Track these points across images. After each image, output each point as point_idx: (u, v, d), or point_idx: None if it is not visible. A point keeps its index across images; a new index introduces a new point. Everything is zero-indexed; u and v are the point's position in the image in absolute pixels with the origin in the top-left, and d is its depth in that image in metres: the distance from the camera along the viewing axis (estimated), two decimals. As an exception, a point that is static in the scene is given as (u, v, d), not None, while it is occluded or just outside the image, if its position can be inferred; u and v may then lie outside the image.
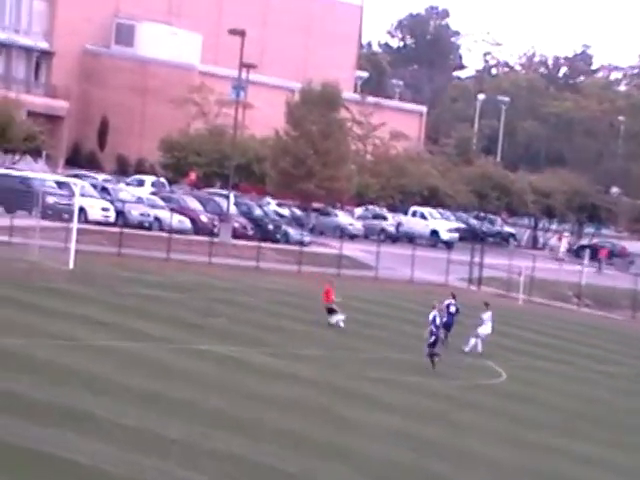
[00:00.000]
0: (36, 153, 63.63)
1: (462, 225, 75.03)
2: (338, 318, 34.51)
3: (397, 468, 20.08)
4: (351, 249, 56.92)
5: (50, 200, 48.28)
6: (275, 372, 26.69)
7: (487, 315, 33.96)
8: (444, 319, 32.81)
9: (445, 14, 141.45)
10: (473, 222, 79.45)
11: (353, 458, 20.10)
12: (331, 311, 34.75)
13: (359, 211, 74.05)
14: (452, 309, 34.11)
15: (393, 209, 75.56)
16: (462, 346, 33.47)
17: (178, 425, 20.13)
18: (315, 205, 67.83)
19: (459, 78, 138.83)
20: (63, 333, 26.84)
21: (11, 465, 16.43)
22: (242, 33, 58.61)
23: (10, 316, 27.99)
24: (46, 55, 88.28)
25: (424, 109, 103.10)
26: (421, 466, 20.50)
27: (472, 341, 33.55)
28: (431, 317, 29.86)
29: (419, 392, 27.30)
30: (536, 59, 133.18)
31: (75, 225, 39.77)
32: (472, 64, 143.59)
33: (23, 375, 21.85)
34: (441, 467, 20.67)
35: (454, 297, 34.70)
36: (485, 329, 33.78)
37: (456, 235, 71.51)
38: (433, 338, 29.69)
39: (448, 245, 67.13)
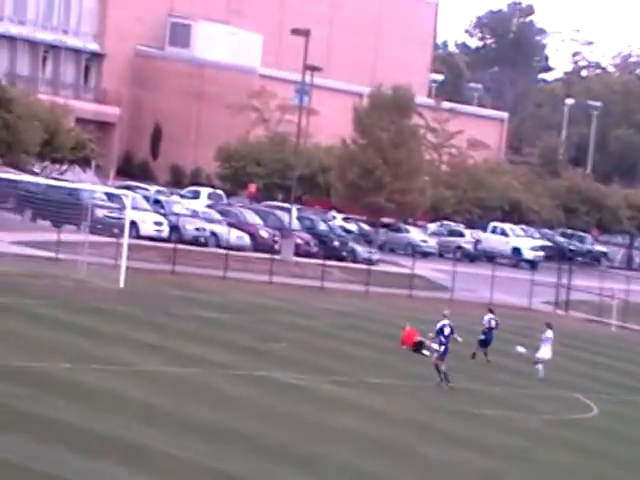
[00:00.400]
0: (85, 163, 64.39)
1: (547, 243, 74.35)
2: (428, 351, 34.58)
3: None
4: (424, 268, 56.68)
5: (99, 213, 48.75)
6: (342, 402, 26.56)
7: (546, 336, 33.69)
8: (481, 337, 34.03)
9: (529, 10, 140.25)
10: (560, 240, 78.63)
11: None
12: (420, 347, 34.80)
13: (433, 227, 73.77)
14: (492, 324, 34.65)
15: (471, 225, 75.15)
16: (535, 375, 33.27)
17: (237, 459, 20.08)
18: (385, 220, 67.72)
19: (545, 81, 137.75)
20: (113, 357, 26.98)
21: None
22: (306, 33, 58.82)
23: (56, 338, 28.22)
24: (96, 57, 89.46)
25: (505, 115, 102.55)
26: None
27: (540, 367, 33.43)
28: (439, 326, 30.17)
29: (500, 427, 26.97)
30: (632, 60, 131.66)
31: (126, 240, 40.09)
32: (559, 65, 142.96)
33: (70, 402, 21.99)
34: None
35: (492, 312, 35.38)
36: (543, 352, 33.54)
37: (541, 254, 70.90)
38: (442, 348, 29.91)
39: (532, 265, 66.57)
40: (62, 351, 26.78)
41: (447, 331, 30.06)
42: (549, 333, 33.67)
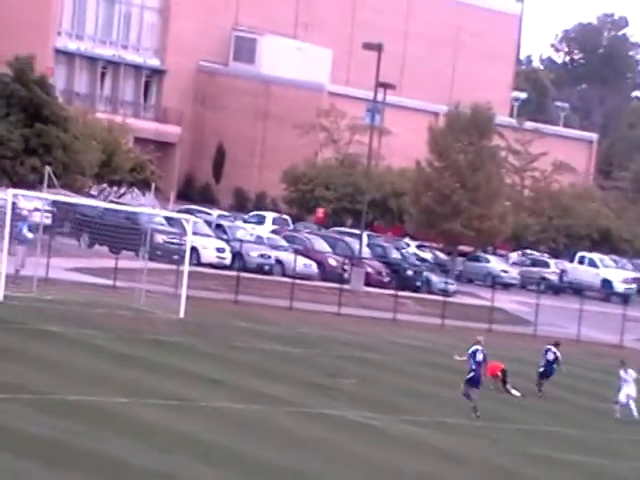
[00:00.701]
0: (144, 185, 65.08)
1: (640, 275, 73.56)
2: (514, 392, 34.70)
3: None
4: (505, 301, 56.49)
5: (159, 239, 49.20)
6: (417, 444, 26.43)
7: (625, 374, 33.37)
8: (540, 369, 33.88)
9: (622, 23, 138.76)
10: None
11: None
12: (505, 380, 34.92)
13: (515, 256, 73.43)
14: (550, 356, 34.42)
15: (556, 255, 74.64)
16: (614, 414, 33.11)
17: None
18: (462, 248, 67.52)
19: (638, 99, 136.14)
20: (172, 392, 27.13)
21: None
22: (379, 47, 58.98)
23: (112, 371, 28.47)
24: (157, 74, 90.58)
25: (594, 136, 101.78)
26: None
27: (617, 407, 33.28)
28: (470, 351, 30.07)
29: (594, 475, 26.63)
30: None
31: (186, 268, 40.36)
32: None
33: (126, 438, 22.14)
34: None
35: (557, 345, 35.16)
36: (626, 392, 33.16)
37: (634, 286, 70.10)
38: (471, 374, 29.85)
39: (624, 299, 65.84)
40: (119, 384, 27.00)
41: (480, 357, 29.95)
42: (625, 372, 33.37)
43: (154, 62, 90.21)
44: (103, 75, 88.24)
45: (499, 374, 34.96)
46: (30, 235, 41.15)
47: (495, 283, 59.73)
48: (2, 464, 19.03)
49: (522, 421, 31.37)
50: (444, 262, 65.56)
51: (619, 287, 69.92)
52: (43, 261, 41.02)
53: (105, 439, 21.83)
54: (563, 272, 70.62)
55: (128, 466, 20.31)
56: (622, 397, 33.25)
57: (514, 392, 34.80)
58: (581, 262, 72.00)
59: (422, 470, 24.03)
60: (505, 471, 25.44)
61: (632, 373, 33.39)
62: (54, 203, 46.27)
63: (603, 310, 56.87)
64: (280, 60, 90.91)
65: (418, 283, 58.92)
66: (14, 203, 39.48)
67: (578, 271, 70.90)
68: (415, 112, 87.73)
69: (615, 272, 71.58)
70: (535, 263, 71.55)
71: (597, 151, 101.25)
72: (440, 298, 52.94)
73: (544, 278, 67.72)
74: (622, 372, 33.54)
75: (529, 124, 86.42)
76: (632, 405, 33.31)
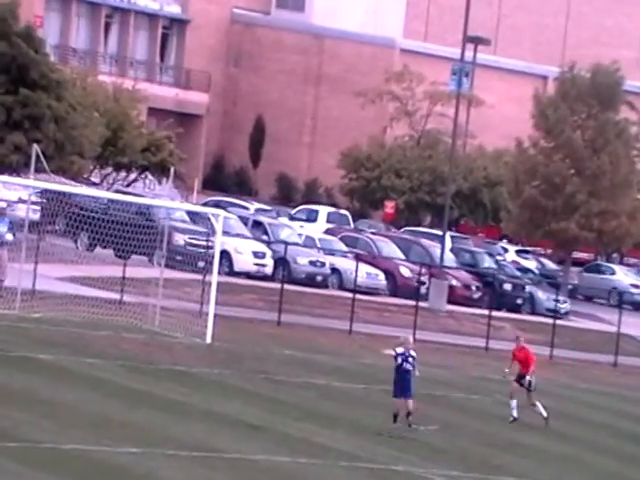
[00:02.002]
0: (161, 170, 65.49)
1: None
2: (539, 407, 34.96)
3: None
4: (636, 325, 56.20)
5: (179, 240, 49.58)
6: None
7: None
8: None
9: None
10: None
11: None
12: (520, 380, 35.10)
13: (649, 266, 73.25)
14: None
15: None
16: None
17: None
18: (578, 255, 67.32)
19: None
20: (196, 440, 27.30)
21: None
22: (468, -7, 59.00)
23: (119, 412, 28.69)
24: (177, 25, 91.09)
25: None
26: None
27: None
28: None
29: None
30: None
31: (215, 278, 40.55)
32: None
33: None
34: None
35: None
36: None
37: None
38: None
39: None
40: (127, 430, 27.18)
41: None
42: None
43: (174, 9, 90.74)
44: (108, 26, 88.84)
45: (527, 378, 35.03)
46: (9, 235, 41.44)
47: (622, 302, 59.43)
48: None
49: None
50: (554, 273, 65.39)
51: None
52: (29, 268, 41.32)
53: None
54: None
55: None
56: None
57: (540, 408, 34.79)
58: None
59: None
60: None
61: None
62: (44, 193, 46.56)
63: None
64: (338, 8, 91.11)
65: (519, 301, 58.93)
66: (-8, 192, 39.88)
67: None
68: (516, 75, 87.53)
69: None
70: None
71: None
72: (549, 321, 52.82)
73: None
74: None
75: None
76: None
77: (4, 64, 53.35)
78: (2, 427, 25.44)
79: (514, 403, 35.01)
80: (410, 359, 31.28)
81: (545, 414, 35.19)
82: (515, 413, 34.97)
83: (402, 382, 31.29)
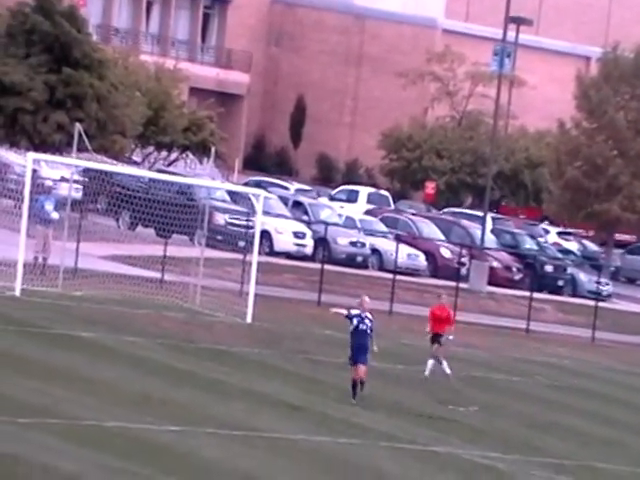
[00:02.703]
0: (202, 150, 65.59)
1: None
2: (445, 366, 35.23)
3: None
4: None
5: (220, 220, 49.69)
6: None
7: None
8: None
9: None
10: None
11: None
12: (435, 339, 35.31)
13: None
14: None
15: None
16: None
17: None
18: (621, 237, 67.16)
19: None
20: (236, 419, 27.38)
21: None
22: (511, -28, 58.93)
23: (160, 390, 28.82)
24: (218, 4, 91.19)
25: None
26: None
27: None
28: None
29: None
30: None
31: (255, 258, 40.68)
32: None
33: (179, 478, 22.40)
34: None
35: None
36: None
37: None
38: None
39: None
40: (169, 408, 27.29)
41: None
42: None
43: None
44: (149, 6, 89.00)
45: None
46: (55, 214, 41.64)
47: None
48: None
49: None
50: (596, 255, 65.26)
51: None
52: (72, 246, 41.52)
53: (148, 477, 22.09)
54: None
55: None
56: None
57: (445, 365, 35.03)
58: None
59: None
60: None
61: None
62: (86, 172, 46.76)
63: None
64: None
65: (560, 283, 58.85)
66: (35, 171, 40.03)
67: None
68: (558, 56, 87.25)
69: None
70: None
71: None
72: (590, 303, 52.78)
73: None
74: None
75: None
76: None
77: (47, 43, 53.52)
78: (44, 404, 25.60)
79: (432, 361, 35.14)
80: (366, 320, 30.34)
81: (448, 371, 35.13)
82: (428, 369, 35.18)
83: (359, 346, 30.38)
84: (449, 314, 36.23)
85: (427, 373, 35.38)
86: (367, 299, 31.37)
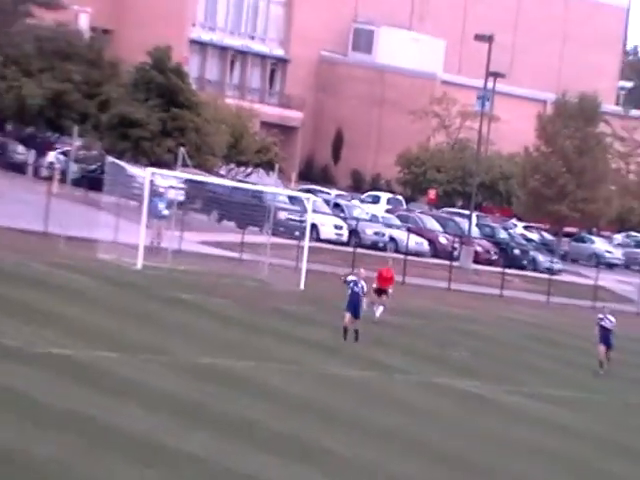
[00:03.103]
0: (268, 166, 65.58)
1: None
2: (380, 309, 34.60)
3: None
4: (609, 280, 55.67)
5: (282, 216, 49.54)
6: (522, 414, 26.23)
7: None
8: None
9: None
10: None
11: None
12: (381, 293, 34.73)
13: (619, 238, 72.17)
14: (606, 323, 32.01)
15: (660, 236, 73.28)
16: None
17: (411, 465, 20.09)
18: (568, 229, 66.67)
19: None
20: (294, 358, 27.33)
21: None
22: (490, 39, 58.52)
23: (239, 337, 28.80)
24: (281, 63, 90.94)
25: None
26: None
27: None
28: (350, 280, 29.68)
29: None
30: None
31: (307, 243, 40.59)
32: None
33: (255, 400, 22.37)
34: None
35: (606, 313, 32.42)
36: None
37: None
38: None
39: None
40: (245, 349, 27.27)
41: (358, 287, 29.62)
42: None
43: (279, 52, 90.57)
44: (232, 64, 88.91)
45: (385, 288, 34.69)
46: (166, 211, 41.77)
47: (599, 263, 58.96)
48: (142, 420, 19.40)
49: (626, 394, 30.87)
50: (550, 242, 64.85)
51: None
52: (177, 234, 41.61)
53: (235, 400, 22.09)
54: (666, 253, 69.33)
55: (255, 426, 20.53)
56: None
57: (380, 309, 34.55)
58: (683, 244, 70.59)
59: (525, 439, 23.85)
60: (606, 442, 25.10)
61: None
62: (187, 181, 46.87)
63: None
64: (396, 50, 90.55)
65: (524, 262, 58.40)
66: (151, 181, 40.13)
67: (682, 253, 69.52)
68: (524, 100, 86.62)
69: None
70: (639, 244, 70.28)
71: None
72: (546, 276, 52.41)
73: (648, 259, 66.60)
74: None
75: (635, 112, 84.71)
76: None
77: (161, 91, 53.66)
78: (158, 345, 25.41)
79: (374, 307, 34.61)
80: (360, 284, 29.93)
81: (378, 315, 34.66)
82: (378, 314, 34.63)
83: (353, 303, 29.80)
84: (392, 275, 35.73)
85: (377, 314, 34.70)
86: (363, 271, 31.36)
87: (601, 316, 32.98)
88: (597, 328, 32.48)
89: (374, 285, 35.00)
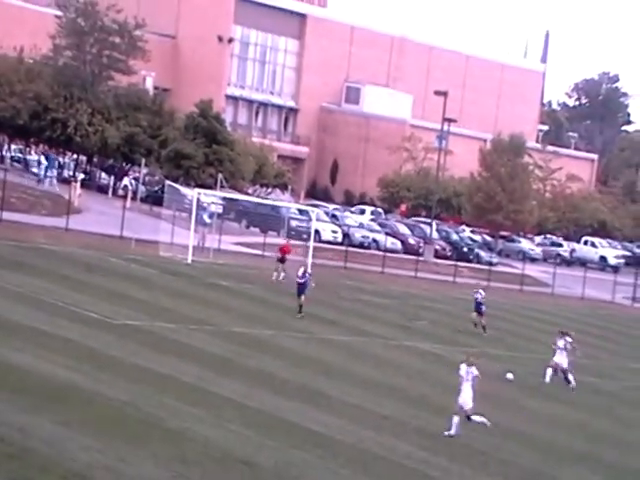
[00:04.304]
0: (284, 187, 65.56)
1: (627, 253, 71.72)
2: (282, 274, 34.05)
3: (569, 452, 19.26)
4: (532, 270, 55.53)
5: (293, 223, 49.38)
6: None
7: (561, 343, 25.41)
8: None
9: (616, 79, 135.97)
10: (637, 250, 75.76)
11: (538, 444, 19.42)
12: (282, 261, 34.74)
13: (539, 239, 72.17)
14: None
15: (567, 238, 73.27)
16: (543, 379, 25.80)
17: (391, 405, 20.12)
18: (502, 233, 66.67)
19: (627, 132, 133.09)
20: (303, 328, 27.34)
21: (261, 426, 16.90)
22: (445, 94, 58.52)
23: (262, 312, 28.79)
24: (293, 111, 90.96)
25: (595, 157, 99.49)
26: (591, 452, 19.61)
27: (549, 371, 25.72)
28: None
29: (589, 390, 26.08)
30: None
31: (311, 243, 40.45)
32: (639, 120, 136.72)
33: (273, 358, 22.41)
34: (611, 455, 19.69)
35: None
36: (557, 359, 25.44)
37: (622, 261, 68.42)
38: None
39: (615, 269, 64.26)
40: (267, 322, 27.26)
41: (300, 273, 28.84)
42: (560, 342, 25.33)
43: (291, 103, 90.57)
44: (257, 112, 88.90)
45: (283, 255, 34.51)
46: (208, 220, 41.73)
47: (525, 257, 58.81)
48: (191, 373, 19.42)
49: (536, 351, 30.73)
50: (489, 242, 64.74)
51: (612, 261, 68.18)
52: (217, 237, 41.57)
53: (258, 358, 22.11)
54: (573, 250, 69.16)
55: (273, 376, 20.57)
56: (557, 360, 25.52)
57: (280, 277, 33.91)
58: (585, 244, 70.51)
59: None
60: (530, 387, 25.01)
61: (561, 343, 25.35)
62: (224, 198, 46.87)
63: (600, 277, 55.67)
64: (377, 102, 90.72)
65: (471, 257, 58.11)
66: (198, 198, 40.10)
67: (583, 250, 69.45)
68: (470, 139, 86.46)
69: (609, 250, 69.94)
70: (553, 244, 70.20)
71: (597, 167, 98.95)
72: (486, 267, 52.23)
73: (559, 255, 66.38)
74: (560, 342, 25.43)
75: (550, 148, 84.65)
76: (569, 376, 25.56)
77: (205, 132, 53.56)
78: (202, 318, 25.32)
79: (277, 275, 34.43)
80: (306, 275, 29.16)
81: (281, 277, 34.38)
82: (281, 277, 34.31)
83: (299, 287, 28.77)
84: (290, 249, 35.78)
85: (281, 278, 34.28)
86: (309, 265, 30.68)
87: (475, 291, 33.02)
88: (474, 300, 32.29)
89: (278, 255, 35.07)
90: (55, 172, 48.46)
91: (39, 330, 20.43)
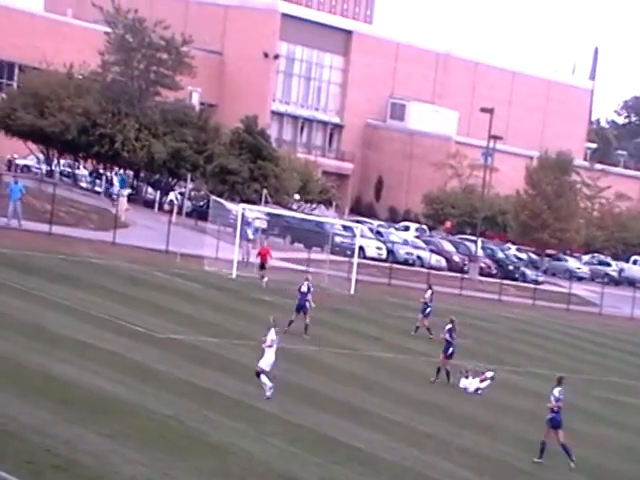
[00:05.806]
0: (328, 203, 65.67)
1: (677, 273, 70.53)
2: (265, 279, 34.37)
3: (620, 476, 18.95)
4: (579, 289, 54.92)
5: (337, 239, 49.37)
6: (514, 386, 25.98)
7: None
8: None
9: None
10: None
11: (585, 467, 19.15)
12: (262, 267, 35.01)
13: (586, 258, 71.29)
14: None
15: (616, 257, 72.28)
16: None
17: (434, 423, 19.98)
18: (548, 251, 66.04)
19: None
20: (346, 344, 27.28)
21: (304, 442, 16.90)
22: (491, 111, 58.22)
23: (298, 325, 28.73)
24: (337, 127, 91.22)
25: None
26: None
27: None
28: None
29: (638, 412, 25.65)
30: None
31: (356, 260, 40.47)
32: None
33: (315, 374, 22.41)
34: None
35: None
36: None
37: (671, 280, 67.33)
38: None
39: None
40: (311, 337, 27.25)
41: (304, 288, 26.45)
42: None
43: (336, 119, 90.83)
44: (302, 128, 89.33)
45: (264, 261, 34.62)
46: (252, 235, 41.91)
47: (572, 276, 58.15)
48: (234, 387, 19.49)
49: (588, 372, 30.36)
50: (535, 261, 64.18)
51: (661, 281, 67.17)
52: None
53: (301, 374, 22.12)
54: (621, 270, 68.19)
55: (316, 393, 20.55)
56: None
57: (265, 280, 34.17)
58: (634, 263, 69.45)
59: (517, 405, 23.57)
60: (575, 407, 24.68)
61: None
62: (268, 214, 47.07)
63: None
64: (422, 118, 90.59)
65: (516, 275, 57.73)
66: (243, 213, 40.33)
67: (632, 270, 68.39)
68: (516, 156, 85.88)
69: (658, 270, 68.87)
70: (601, 263, 69.29)
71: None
72: (532, 286, 51.81)
73: (607, 274, 65.59)
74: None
75: (598, 166, 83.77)
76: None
77: (250, 148, 53.88)
78: (245, 333, 25.26)
79: (262, 281, 34.35)
80: (306, 283, 27.05)
81: (265, 282, 34.34)
82: (264, 284, 34.39)
83: (300, 301, 26.89)
84: (268, 253, 36.01)
85: (264, 285, 34.32)
86: (310, 277, 28.46)
87: (426, 299, 30.96)
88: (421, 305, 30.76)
89: (258, 260, 35.29)
90: (126, 192, 47.43)
91: (85, 343, 20.68)
